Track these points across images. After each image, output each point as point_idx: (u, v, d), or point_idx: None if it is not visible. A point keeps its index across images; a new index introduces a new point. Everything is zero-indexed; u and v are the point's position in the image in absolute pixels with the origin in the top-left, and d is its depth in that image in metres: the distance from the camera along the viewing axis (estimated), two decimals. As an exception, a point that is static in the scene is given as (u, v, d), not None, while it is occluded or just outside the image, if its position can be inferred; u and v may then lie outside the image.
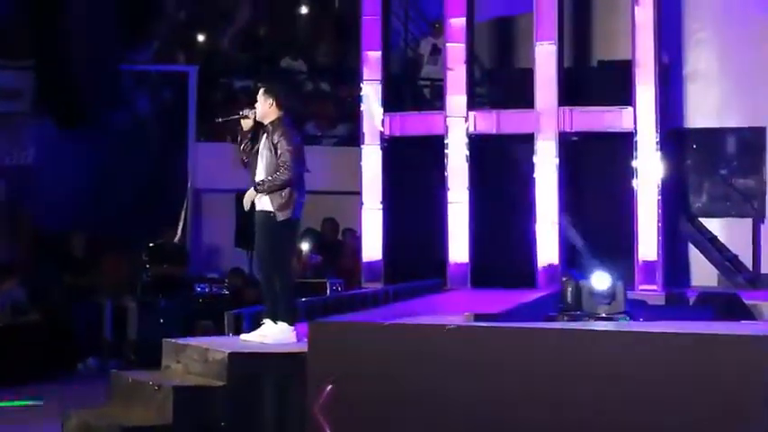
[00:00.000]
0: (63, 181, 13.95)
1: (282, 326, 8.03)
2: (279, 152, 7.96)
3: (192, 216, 15.07)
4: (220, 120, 9.02)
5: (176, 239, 14.53)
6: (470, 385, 6.24)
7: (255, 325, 8.32)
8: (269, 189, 7.98)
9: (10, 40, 14.68)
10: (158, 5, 16.53)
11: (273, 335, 8.00)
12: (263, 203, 8.06)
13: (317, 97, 16.05)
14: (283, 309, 8.10)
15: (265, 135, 8.09)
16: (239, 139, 8.28)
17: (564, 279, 10.65)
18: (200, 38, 16.73)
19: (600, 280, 9.88)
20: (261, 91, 8.19)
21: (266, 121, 8.10)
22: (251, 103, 8.29)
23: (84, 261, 13.80)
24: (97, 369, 12.77)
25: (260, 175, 8.07)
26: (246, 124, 8.18)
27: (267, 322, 8.13)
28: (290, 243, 8.48)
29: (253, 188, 8.05)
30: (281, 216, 8.00)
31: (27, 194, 14.39)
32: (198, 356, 7.76)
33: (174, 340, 8.29)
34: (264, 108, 8.11)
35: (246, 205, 8.13)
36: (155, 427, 7.16)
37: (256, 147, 8.14)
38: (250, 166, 8.19)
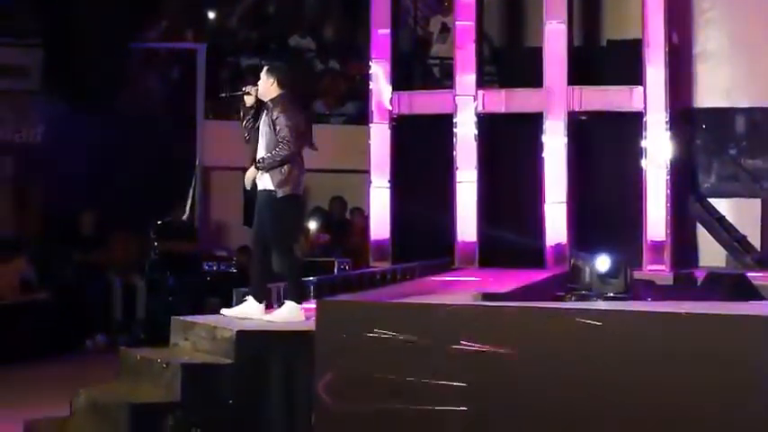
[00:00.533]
0: (72, 159, 13.95)
1: (290, 305, 8.03)
2: (278, 128, 7.97)
3: (200, 194, 15.08)
4: (224, 95, 9.14)
5: (184, 217, 14.55)
6: (477, 366, 6.24)
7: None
8: (269, 165, 7.98)
9: (18, 17, 14.67)
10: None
11: (281, 314, 8.01)
12: (265, 182, 8.06)
13: (325, 75, 16.03)
14: (291, 287, 8.12)
15: (265, 112, 8.11)
16: (242, 114, 8.30)
17: (575, 259, 10.65)
18: (210, 15, 16.69)
19: (603, 262, 9.93)
20: (264, 69, 8.23)
21: (266, 99, 8.12)
22: (257, 81, 8.31)
23: (93, 239, 13.83)
24: (106, 346, 12.81)
25: (260, 152, 8.08)
26: (249, 100, 8.20)
27: (249, 299, 8.14)
28: (295, 219, 8.45)
29: (253, 166, 8.06)
30: (281, 192, 7.99)
31: (36, 172, 14.41)
32: (206, 334, 7.78)
33: (182, 318, 8.31)
34: (266, 86, 8.14)
35: (248, 184, 8.14)
36: (163, 404, 7.18)
37: (257, 124, 8.16)
38: (251, 144, 8.20)
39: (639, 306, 7.61)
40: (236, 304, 8.39)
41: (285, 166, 7.99)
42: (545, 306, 6.82)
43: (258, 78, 8.26)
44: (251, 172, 8.09)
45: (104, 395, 7.58)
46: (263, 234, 8.14)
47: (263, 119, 8.11)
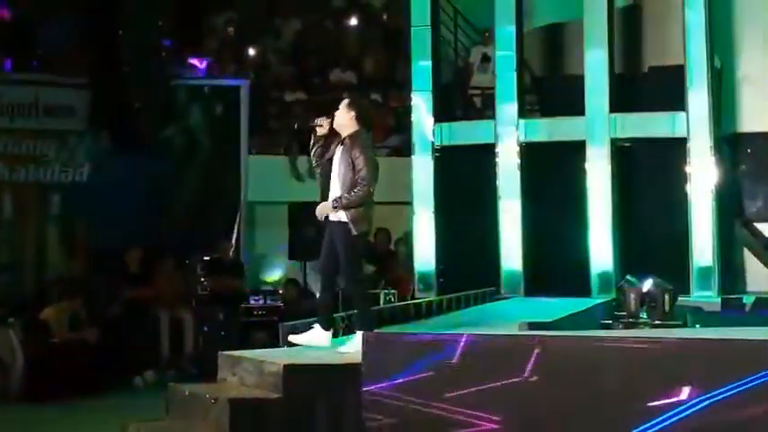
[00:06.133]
0: (118, 196, 14.08)
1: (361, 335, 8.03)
2: (357, 167, 8.01)
3: (245, 228, 15.16)
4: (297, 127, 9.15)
5: (231, 252, 14.62)
6: (528, 396, 6.22)
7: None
8: (346, 206, 8.02)
9: (66, 58, 14.87)
10: (209, 21, 16.68)
11: (357, 345, 7.99)
12: (340, 215, 8.09)
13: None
14: (363, 318, 8.14)
15: (341, 147, 8.12)
16: (311, 143, 8.32)
17: (621, 287, 10.58)
18: (251, 52, 16.83)
19: (649, 287, 9.87)
20: (345, 102, 8.27)
21: (344, 133, 8.14)
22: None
23: (140, 275, 13.92)
24: (154, 382, 12.86)
25: (335, 189, 8.09)
26: (320, 131, 8.25)
27: (316, 327, 8.20)
28: (362, 253, 8.54)
29: (331, 202, 8.06)
30: (355, 230, 8.06)
31: (83, 210, 14.55)
32: (253, 369, 7.80)
33: (229, 353, 8.34)
34: (345, 119, 8.15)
35: (320, 216, 8.17)
36: (212, 440, 7.21)
37: (328, 155, 8.19)
38: (321, 175, 8.24)
39: (687, 333, 7.55)
40: (282, 340, 8.41)
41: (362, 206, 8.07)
42: (590, 335, 6.79)
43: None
44: (325, 207, 8.11)
45: (154, 431, 7.61)
46: (332, 264, 8.19)
47: (338, 153, 8.13)
